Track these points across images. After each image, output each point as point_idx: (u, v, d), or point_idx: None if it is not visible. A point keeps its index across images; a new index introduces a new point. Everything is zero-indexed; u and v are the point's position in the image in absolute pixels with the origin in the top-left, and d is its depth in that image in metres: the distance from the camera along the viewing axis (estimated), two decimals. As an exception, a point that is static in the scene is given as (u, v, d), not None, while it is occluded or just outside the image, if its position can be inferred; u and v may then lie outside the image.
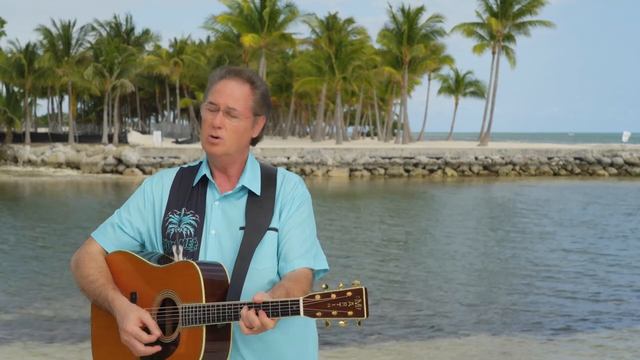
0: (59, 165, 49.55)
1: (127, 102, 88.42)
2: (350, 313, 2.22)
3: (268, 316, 2.27)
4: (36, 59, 59.14)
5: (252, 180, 2.61)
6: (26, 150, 52.67)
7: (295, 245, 2.57)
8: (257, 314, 2.27)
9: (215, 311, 2.35)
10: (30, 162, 51.51)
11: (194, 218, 2.59)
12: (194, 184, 2.64)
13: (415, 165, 48.36)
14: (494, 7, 60.14)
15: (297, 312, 2.24)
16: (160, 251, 2.62)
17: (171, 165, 44.25)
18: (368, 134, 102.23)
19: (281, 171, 2.68)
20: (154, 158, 46.10)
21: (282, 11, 58.87)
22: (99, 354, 2.63)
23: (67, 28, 59.45)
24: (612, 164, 51.23)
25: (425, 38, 61.24)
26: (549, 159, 51.17)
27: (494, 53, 60.59)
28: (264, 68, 57.86)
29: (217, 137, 2.54)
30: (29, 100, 64.38)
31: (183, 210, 2.61)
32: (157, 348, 2.42)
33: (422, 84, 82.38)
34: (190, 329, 2.40)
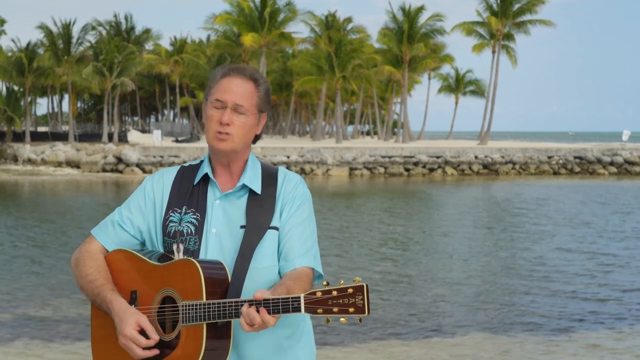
0: (59, 164, 49.54)
1: (127, 101, 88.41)
2: (351, 310, 2.22)
3: (269, 313, 2.27)
4: (36, 58, 59.15)
5: (253, 179, 2.62)
6: (26, 149, 52.67)
7: (295, 244, 2.57)
8: (257, 311, 2.27)
9: (216, 309, 2.35)
10: (30, 161, 51.51)
11: (194, 216, 2.59)
12: (195, 182, 2.65)
13: (415, 164, 48.36)
14: (494, 6, 60.14)
15: (298, 309, 2.25)
16: (161, 250, 2.63)
17: (171, 164, 44.25)
18: (368, 133, 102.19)
19: (282, 170, 2.69)
20: (154, 157, 46.10)
21: (282, 10, 58.89)
22: (99, 352, 2.64)
23: (67, 27, 59.45)
24: (612, 163, 51.23)
25: (425, 37, 61.23)
26: (549, 158, 51.17)
27: (494, 52, 60.60)
28: (264, 67, 57.86)
29: (226, 134, 2.55)
30: (29, 99, 64.38)
31: (184, 209, 2.61)
32: (155, 352, 2.43)
33: (422, 83, 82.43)
34: (190, 327, 2.40)
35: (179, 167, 2.73)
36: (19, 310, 11.24)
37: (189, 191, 2.64)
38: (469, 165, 49.22)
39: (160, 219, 2.64)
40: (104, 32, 67.27)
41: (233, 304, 2.34)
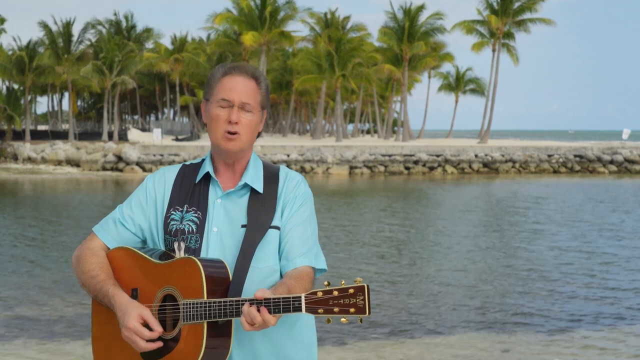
0: (59, 162, 49.53)
1: (127, 99, 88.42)
2: (352, 310, 2.22)
3: (270, 312, 2.27)
4: (37, 57, 59.14)
5: (255, 178, 2.62)
6: (26, 148, 52.66)
7: (297, 243, 2.57)
8: (258, 310, 2.27)
9: (217, 307, 2.35)
10: (30, 159, 51.51)
11: (196, 215, 2.59)
12: (197, 181, 2.65)
13: (415, 162, 48.36)
14: (495, 4, 60.14)
15: (299, 309, 2.25)
16: (162, 248, 2.63)
17: (171, 163, 44.24)
18: (368, 132, 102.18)
19: (283, 169, 2.69)
20: (154, 155, 46.10)
21: (282, 8, 58.88)
22: (100, 350, 2.64)
23: (67, 26, 59.43)
24: (612, 162, 51.23)
25: (425, 35, 61.22)
26: (549, 156, 51.17)
27: (494, 50, 60.60)
28: (264, 66, 57.85)
29: (234, 133, 2.56)
30: (29, 97, 64.36)
31: (185, 207, 2.62)
32: (159, 344, 2.43)
33: (423, 82, 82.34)
34: (191, 325, 2.40)
35: (180, 165, 2.73)
36: (18, 309, 11.23)
37: (190, 190, 2.64)
38: (469, 163, 49.22)
39: (162, 217, 2.64)
40: (104, 31, 67.28)
41: (234, 302, 2.34)
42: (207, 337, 2.38)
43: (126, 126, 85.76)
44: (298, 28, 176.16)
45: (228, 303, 2.34)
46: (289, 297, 2.26)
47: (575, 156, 51.47)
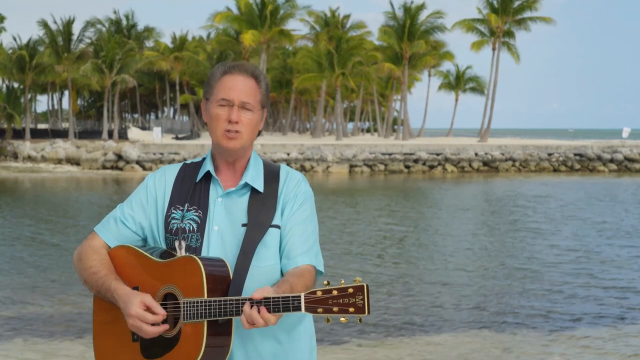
0: (58, 161, 49.53)
1: (127, 98, 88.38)
2: (351, 309, 2.22)
3: (269, 311, 2.27)
4: (37, 55, 59.10)
5: (255, 177, 2.63)
6: (26, 147, 52.66)
7: (297, 242, 2.58)
8: (258, 310, 2.28)
9: (217, 306, 2.36)
10: (30, 158, 51.50)
11: (196, 214, 2.60)
12: (197, 180, 2.65)
13: (415, 161, 48.36)
14: (495, 3, 60.12)
15: (298, 308, 2.25)
16: (163, 246, 2.63)
17: (171, 161, 44.24)
18: (368, 130, 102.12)
19: (284, 168, 2.69)
20: (154, 154, 46.09)
21: (282, 7, 58.84)
22: (100, 348, 2.64)
23: (67, 24, 59.38)
24: (612, 160, 51.23)
25: (425, 34, 61.19)
26: (549, 155, 51.15)
27: (494, 49, 60.57)
28: (264, 64, 57.82)
29: (235, 132, 2.56)
30: (29, 96, 64.34)
31: (186, 206, 2.62)
32: (165, 327, 2.43)
33: (423, 81, 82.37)
34: (191, 323, 2.40)
35: (181, 164, 2.74)
36: (18, 307, 11.24)
37: (191, 188, 2.65)
38: (469, 162, 49.21)
39: (162, 216, 2.64)
40: (104, 30, 67.23)
41: (234, 301, 2.34)
42: (208, 335, 2.38)
43: (126, 125, 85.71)
44: (298, 27, 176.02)
45: (228, 302, 2.35)
46: (289, 297, 2.27)
47: (575, 155, 51.46)
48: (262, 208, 2.57)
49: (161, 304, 2.48)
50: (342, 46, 60.49)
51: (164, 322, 2.45)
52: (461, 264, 15.35)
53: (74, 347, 9.18)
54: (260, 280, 2.52)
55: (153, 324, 2.42)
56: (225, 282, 2.45)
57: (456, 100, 77.61)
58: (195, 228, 2.58)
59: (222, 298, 2.36)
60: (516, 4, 59.51)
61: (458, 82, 77.75)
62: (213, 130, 2.59)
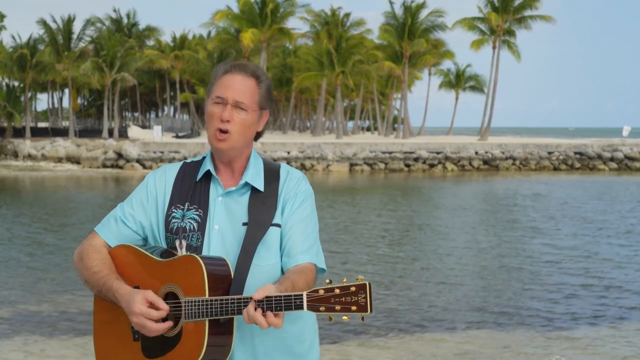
0: (59, 159, 49.54)
1: (128, 96, 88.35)
2: (354, 308, 2.22)
3: (271, 310, 2.27)
4: (37, 54, 59.08)
5: (256, 176, 2.62)
6: (26, 145, 52.66)
7: (298, 241, 2.58)
8: (264, 312, 2.27)
9: (218, 305, 2.35)
10: (30, 156, 51.50)
11: (197, 213, 2.59)
12: (198, 179, 2.64)
13: (416, 159, 48.36)
14: (495, 1, 60.10)
15: (300, 307, 2.24)
16: (163, 245, 2.63)
17: (171, 160, 44.25)
18: (368, 129, 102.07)
19: (284, 167, 2.69)
20: (154, 153, 46.09)
21: (282, 5, 58.82)
22: (101, 348, 2.64)
23: (67, 23, 59.35)
24: (612, 159, 51.22)
25: (426, 32, 61.17)
26: (549, 153, 51.15)
27: (494, 48, 60.55)
28: (264, 63, 57.80)
29: (225, 132, 2.55)
30: (29, 94, 64.31)
31: (186, 205, 2.61)
32: (169, 324, 2.42)
33: (423, 79, 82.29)
34: (193, 323, 2.39)
35: (181, 163, 2.73)
36: (18, 305, 11.24)
37: (191, 188, 2.64)
38: (469, 161, 49.21)
39: (163, 215, 2.64)
40: (104, 28, 67.18)
41: (235, 301, 2.34)
42: (209, 334, 2.37)
43: (126, 123, 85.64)
44: (297, 25, 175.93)
45: (230, 301, 2.34)
46: (291, 295, 2.26)
47: (576, 153, 51.46)
48: (262, 207, 2.57)
49: (162, 303, 2.48)
50: (343, 45, 60.48)
51: (167, 320, 2.45)
52: (461, 263, 15.35)
53: (74, 346, 9.18)
54: (261, 279, 2.51)
55: (157, 321, 2.41)
56: (226, 281, 2.44)
57: (456, 98, 77.61)
58: (195, 227, 2.57)
59: (224, 297, 2.36)
60: (516, 2, 59.51)
61: (458, 81, 77.75)
62: (207, 129, 2.60)
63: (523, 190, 34.17)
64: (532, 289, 12.74)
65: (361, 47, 61.47)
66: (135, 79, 64.24)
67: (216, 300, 2.35)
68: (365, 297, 2.22)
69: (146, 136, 56.24)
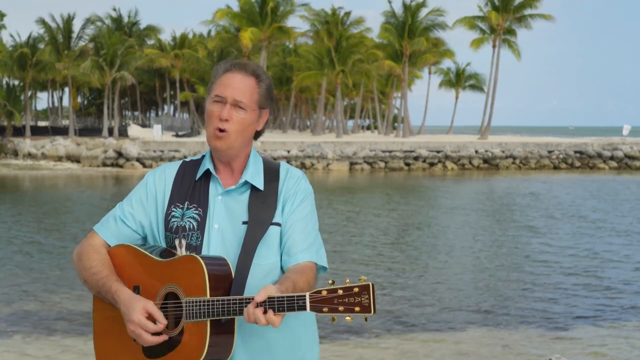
0: (59, 158, 49.54)
1: (128, 95, 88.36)
2: (357, 309, 2.21)
3: (274, 311, 2.25)
4: (37, 52, 59.07)
5: (255, 175, 2.61)
6: (26, 144, 52.66)
7: (298, 239, 2.57)
8: (265, 310, 2.26)
9: (220, 306, 2.34)
10: (30, 155, 51.51)
11: (197, 212, 2.58)
12: (197, 178, 2.63)
13: (416, 158, 48.35)
14: (496, 0, 60.08)
15: (303, 308, 2.23)
16: (163, 245, 2.62)
17: (171, 159, 44.25)
18: (368, 128, 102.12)
19: (284, 166, 2.68)
20: (154, 151, 46.09)
21: (282, 3, 58.82)
22: (101, 346, 2.63)
23: (67, 21, 59.32)
24: (612, 158, 51.23)
25: (426, 31, 61.15)
26: (549, 152, 51.15)
27: (494, 46, 60.54)
28: (264, 62, 57.78)
29: (223, 131, 2.53)
30: (29, 93, 64.29)
31: (186, 204, 2.60)
32: (164, 337, 2.41)
33: (423, 78, 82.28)
34: (194, 323, 2.38)
35: (180, 162, 2.72)
36: (18, 304, 11.23)
37: (191, 186, 2.63)
38: (469, 159, 49.20)
39: (162, 214, 2.63)
40: (104, 27, 67.15)
41: (237, 301, 2.33)
42: (210, 334, 2.37)
43: (126, 122, 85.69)
44: (298, 24, 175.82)
45: (231, 302, 2.33)
46: (293, 296, 2.25)
47: (576, 152, 51.46)
48: (262, 206, 2.56)
49: (162, 303, 2.47)
50: (343, 44, 60.47)
51: (168, 318, 2.44)
52: (461, 262, 15.34)
53: (74, 345, 9.17)
54: (261, 278, 2.51)
55: (153, 333, 2.41)
56: (227, 280, 2.43)
57: (456, 97, 77.59)
58: (195, 226, 2.56)
59: (225, 298, 2.34)
60: (517, 1, 59.49)
61: (458, 80, 77.74)
62: (206, 127, 2.59)
63: (523, 189, 34.17)
64: (532, 289, 12.73)
65: (361, 46, 61.48)
66: (135, 77, 64.23)
67: (218, 300, 2.34)
68: (369, 298, 2.20)
69: (146, 135, 56.23)
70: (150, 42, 75.63)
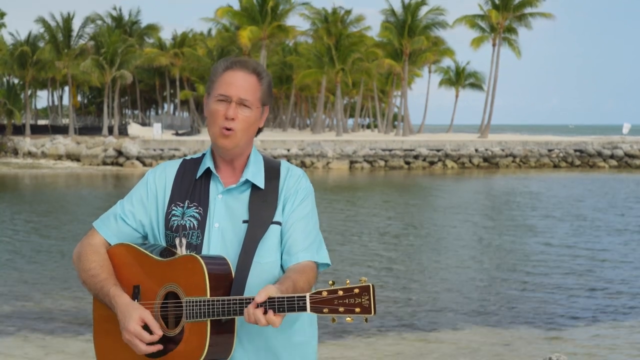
0: (59, 157, 49.54)
1: (127, 94, 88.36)
2: (357, 310, 2.20)
3: (274, 312, 2.25)
4: (37, 51, 59.06)
5: (256, 174, 2.60)
6: (26, 143, 52.65)
7: (298, 238, 2.56)
8: (265, 310, 2.25)
9: (220, 306, 2.33)
10: (30, 154, 51.50)
11: (197, 211, 2.57)
12: (197, 176, 2.62)
13: (416, 157, 48.34)
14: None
15: (303, 308, 2.23)
16: (163, 243, 2.61)
17: (171, 157, 44.26)
18: (368, 126, 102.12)
19: (285, 164, 2.67)
20: (154, 150, 46.08)
21: (282, 2, 58.81)
22: (101, 346, 2.62)
23: (67, 20, 59.30)
24: (612, 156, 51.22)
25: (426, 30, 61.14)
26: (549, 151, 51.14)
27: (494, 45, 60.51)
28: (264, 60, 57.77)
29: (230, 130, 2.52)
30: (29, 92, 64.28)
31: (186, 203, 2.59)
32: (159, 347, 2.42)
33: (423, 77, 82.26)
34: (194, 323, 2.38)
35: (180, 160, 2.71)
36: (18, 303, 11.22)
37: (191, 185, 2.62)
38: (470, 158, 49.20)
39: (163, 213, 2.62)
40: (104, 26, 67.13)
41: (237, 301, 2.32)
42: (211, 334, 2.36)
43: (126, 121, 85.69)
44: (297, 23, 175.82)
45: (232, 302, 2.32)
46: (294, 297, 2.24)
47: (576, 151, 51.45)
48: (263, 204, 2.55)
49: (163, 303, 2.46)
50: (343, 42, 60.45)
51: (164, 330, 2.44)
52: (461, 261, 15.33)
53: (74, 343, 9.17)
54: (262, 277, 2.50)
55: (148, 343, 2.41)
56: (227, 280, 2.43)
57: (456, 96, 77.58)
58: (195, 225, 2.55)
59: (226, 298, 2.34)
60: (517, 0, 59.44)
61: (458, 78, 77.73)
62: (210, 127, 2.57)
63: (523, 188, 34.16)
64: (532, 289, 12.73)
65: (361, 45, 61.47)
66: (134, 76, 64.20)
67: (218, 300, 2.34)
68: (369, 299, 2.20)
69: (146, 134, 56.23)
70: (150, 40, 75.61)
